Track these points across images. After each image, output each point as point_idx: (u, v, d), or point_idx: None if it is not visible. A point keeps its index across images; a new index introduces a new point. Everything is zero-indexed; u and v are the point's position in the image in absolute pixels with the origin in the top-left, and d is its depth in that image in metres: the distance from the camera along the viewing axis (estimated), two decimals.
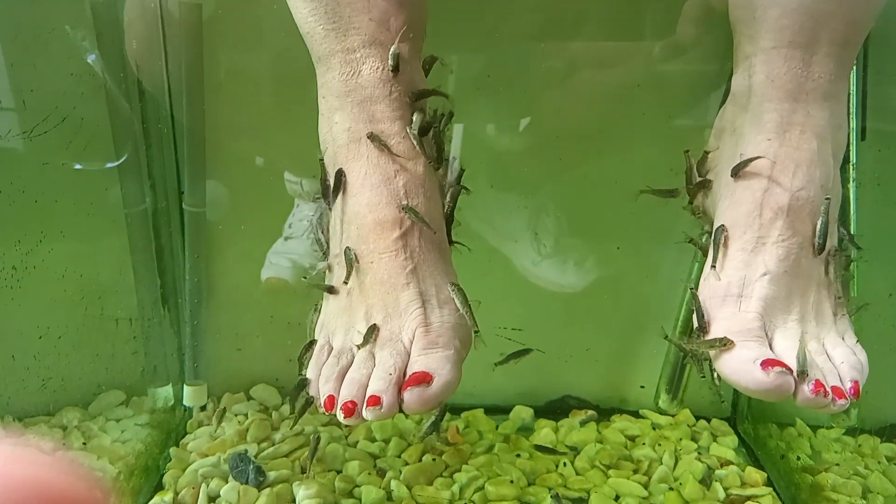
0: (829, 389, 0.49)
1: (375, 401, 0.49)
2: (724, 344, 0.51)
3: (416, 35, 0.56)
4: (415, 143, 0.55)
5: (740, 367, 0.50)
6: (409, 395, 0.49)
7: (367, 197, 0.53)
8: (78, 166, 0.78)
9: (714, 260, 0.55)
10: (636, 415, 0.86)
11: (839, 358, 0.52)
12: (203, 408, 0.83)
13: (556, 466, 0.76)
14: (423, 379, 0.49)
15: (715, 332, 0.53)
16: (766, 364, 0.49)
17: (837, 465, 0.76)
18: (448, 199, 0.59)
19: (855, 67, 0.77)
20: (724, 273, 0.54)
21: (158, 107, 0.82)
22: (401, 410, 0.50)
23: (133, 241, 0.82)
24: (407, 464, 0.75)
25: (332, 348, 0.55)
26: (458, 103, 0.79)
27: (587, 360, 0.90)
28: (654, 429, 0.83)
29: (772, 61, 0.54)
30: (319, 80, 0.56)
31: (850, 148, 0.79)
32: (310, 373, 0.55)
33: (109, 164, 0.80)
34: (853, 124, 0.78)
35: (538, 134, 0.83)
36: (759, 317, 0.52)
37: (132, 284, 0.83)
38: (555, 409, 0.87)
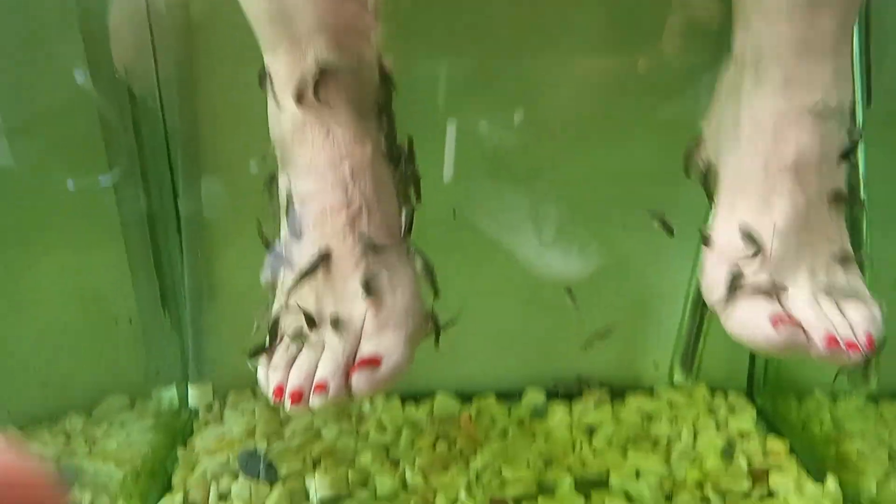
0: (842, 344, 0.48)
1: (321, 387, 0.48)
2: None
3: (368, 18, 0.55)
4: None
5: (750, 323, 0.49)
6: (357, 379, 0.48)
7: (312, 183, 0.53)
8: (70, 185, 0.77)
9: (717, 218, 0.54)
10: (651, 392, 0.84)
11: (852, 312, 0.51)
12: (209, 408, 0.81)
13: (573, 448, 0.74)
14: (372, 362, 0.48)
15: (722, 292, 0.52)
16: (777, 320, 0.48)
17: (862, 433, 0.74)
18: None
19: (857, 32, 0.76)
20: (732, 233, 0.53)
21: (149, 109, 0.81)
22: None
23: (130, 246, 0.81)
24: (421, 450, 0.74)
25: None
26: (451, 96, 0.78)
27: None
28: (670, 405, 0.81)
29: (775, 18, 0.53)
30: (268, 69, 0.56)
31: (857, 109, 0.78)
32: (260, 364, 0.54)
33: (103, 178, 0.79)
34: (857, 93, 0.77)
35: (535, 123, 0.82)
36: (769, 273, 0.51)
37: (130, 287, 0.81)
38: (568, 391, 0.85)
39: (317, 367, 0.50)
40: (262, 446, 0.74)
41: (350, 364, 0.49)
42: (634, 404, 0.81)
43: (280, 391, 0.50)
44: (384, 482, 0.69)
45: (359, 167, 0.53)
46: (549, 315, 0.86)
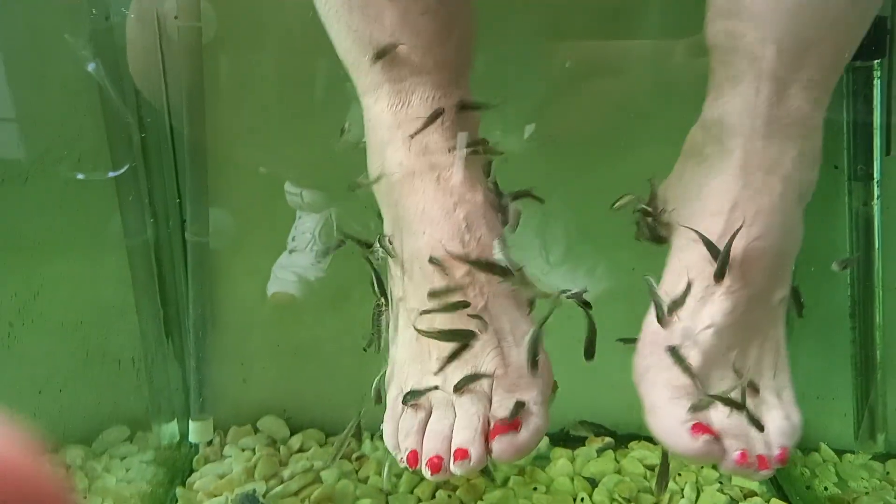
0: (754, 460, 0.48)
1: (463, 454, 0.46)
2: None
3: (465, 56, 0.53)
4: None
5: (669, 428, 0.49)
6: (499, 444, 0.46)
7: (428, 234, 0.50)
8: (80, 176, 0.76)
9: (657, 306, 0.52)
10: (654, 441, 0.83)
11: (771, 424, 0.50)
12: (209, 443, 0.81)
13: (574, 501, 0.74)
14: (511, 426, 0.47)
15: (651, 381, 0.51)
16: (696, 429, 0.47)
17: (867, 493, 0.73)
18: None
19: (878, 81, 0.74)
20: (669, 319, 0.51)
21: (159, 133, 0.80)
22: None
23: (135, 273, 0.81)
24: (420, 500, 0.73)
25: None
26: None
27: (602, 381, 0.87)
28: (673, 456, 0.80)
29: (745, 93, 0.50)
30: (366, 114, 0.54)
31: (875, 164, 0.76)
32: (386, 427, 0.52)
33: (112, 174, 0.79)
34: (877, 140, 0.75)
35: (545, 139, 0.80)
36: (697, 372, 0.49)
37: (135, 317, 0.81)
38: (570, 436, 0.84)
39: (451, 431, 0.47)
40: (260, 488, 0.73)
41: (487, 428, 0.47)
42: (638, 454, 0.80)
43: (415, 457, 0.48)
44: None
45: (474, 214, 0.51)
46: (554, 357, 0.85)
